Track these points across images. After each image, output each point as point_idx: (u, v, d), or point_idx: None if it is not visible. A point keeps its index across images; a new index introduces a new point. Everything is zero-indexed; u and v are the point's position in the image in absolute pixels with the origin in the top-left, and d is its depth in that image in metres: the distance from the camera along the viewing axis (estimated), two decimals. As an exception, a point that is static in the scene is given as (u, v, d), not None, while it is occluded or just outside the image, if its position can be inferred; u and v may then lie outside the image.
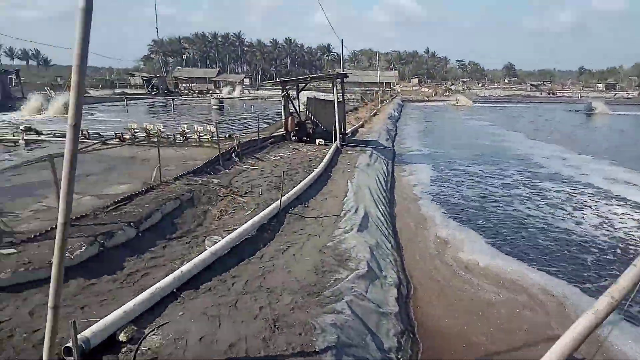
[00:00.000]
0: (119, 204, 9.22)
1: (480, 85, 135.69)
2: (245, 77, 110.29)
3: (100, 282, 6.63)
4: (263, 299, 6.30)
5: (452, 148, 28.05)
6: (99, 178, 12.43)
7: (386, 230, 11.20)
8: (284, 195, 10.61)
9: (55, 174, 7.86)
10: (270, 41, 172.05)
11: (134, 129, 22.22)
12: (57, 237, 4.23)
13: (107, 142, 21.97)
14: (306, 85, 22.71)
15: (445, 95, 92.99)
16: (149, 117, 40.02)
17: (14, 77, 47.45)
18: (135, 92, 64.69)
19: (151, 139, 21.74)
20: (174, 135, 22.13)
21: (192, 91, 78.47)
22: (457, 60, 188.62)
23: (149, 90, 69.36)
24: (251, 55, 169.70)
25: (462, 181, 18.94)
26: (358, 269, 7.80)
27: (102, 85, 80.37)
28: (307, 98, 22.83)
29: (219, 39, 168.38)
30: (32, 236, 7.32)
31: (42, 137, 22.78)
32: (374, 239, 9.73)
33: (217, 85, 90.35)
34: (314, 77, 22.91)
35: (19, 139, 21.97)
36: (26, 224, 8.23)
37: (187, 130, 22.21)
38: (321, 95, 31.54)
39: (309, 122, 21.60)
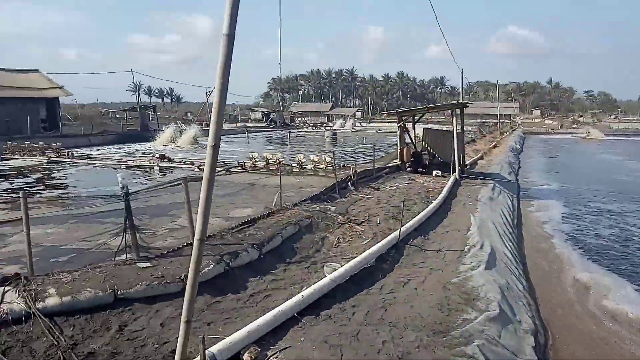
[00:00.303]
0: (242, 227, 9.48)
1: (612, 117, 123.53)
2: (357, 111, 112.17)
3: (225, 300, 6.73)
4: (385, 333, 5.90)
5: (585, 183, 25.45)
6: (224, 201, 13.04)
7: (516, 270, 10.21)
8: (402, 226, 10.18)
9: (188, 194, 8.28)
10: (382, 76, 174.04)
11: (254, 158, 23.36)
12: (193, 253, 4.29)
13: (231, 169, 23.34)
14: (422, 115, 22.25)
15: (573, 128, 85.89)
16: (268, 147, 41.94)
17: (151, 112, 53.15)
18: (255, 125, 68.70)
19: (270, 167, 22.70)
20: (291, 164, 22.88)
21: (306, 124, 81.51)
22: (584, 91, 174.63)
23: (267, 124, 73.35)
24: (363, 89, 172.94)
25: (599, 219, 16.94)
26: (488, 311, 7.07)
27: (225, 119, 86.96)
28: (424, 128, 22.33)
29: (333, 75, 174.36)
30: (166, 252, 7.71)
31: (173, 165, 24.85)
32: (503, 278, 8.87)
33: (330, 118, 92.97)
34: (431, 107, 22.39)
35: (154, 165, 24.19)
36: (161, 240, 8.76)
37: (303, 160, 22.85)
38: (436, 127, 30.78)
39: (425, 152, 21.01)
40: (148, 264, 7.04)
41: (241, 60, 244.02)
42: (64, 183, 19.34)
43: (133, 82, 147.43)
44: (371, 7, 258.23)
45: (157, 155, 26.09)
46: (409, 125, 21.82)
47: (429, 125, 32.29)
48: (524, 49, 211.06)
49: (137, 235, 7.35)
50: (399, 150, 20.39)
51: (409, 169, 20.40)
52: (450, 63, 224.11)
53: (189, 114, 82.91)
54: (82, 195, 15.17)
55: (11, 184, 18.71)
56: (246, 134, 50.82)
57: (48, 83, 39.61)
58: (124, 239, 7.31)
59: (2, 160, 26.43)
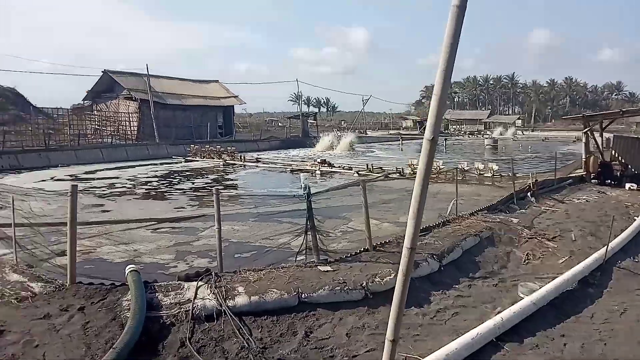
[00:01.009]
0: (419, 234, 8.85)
1: None
2: (518, 118, 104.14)
3: (410, 313, 6.16)
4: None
5: None
6: (392, 206, 12.59)
7: None
8: (608, 245, 8.58)
9: (365, 197, 7.95)
10: (547, 81, 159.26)
11: (413, 165, 22.67)
12: (401, 264, 3.75)
13: (389, 175, 22.98)
14: (613, 121, 19.25)
15: None
16: (419, 155, 40.82)
17: (311, 120, 55.67)
18: (408, 133, 67.81)
19: (430, 174, 21.78)
20: (453, 172, 21.66)
21: (462, 132, 78.05)
22: None
23: (420, 132, 71.89)
24: (524, 96, 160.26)
25: None
26: None
27: (377, 127, 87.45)
28: (614, 136, 19.30)
29: (490, 82, 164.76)
30: (344, 256, 7.44)
31: (333, 170, 25.32)
32: None
33: (488, 126, 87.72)
34: (628, 110, 19.21)
35: (315, 170, 24.94)
36: (335, 243, 8.57)
37: (466, 168, 21.50)
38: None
39: (616, 163, 18.10)
40: (329, 268, 6.81)
41: (394, 69, 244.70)
42: (237, 184, 20.90)
43: (296, 92, 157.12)
44: (535, 7, 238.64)
45: (318, 160, 26.89)
46: (595, 133, 19.05)
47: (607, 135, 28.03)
48: None
49: (318, 236, 7.19)
50: (584, 160, 17.88)
51: (595, 180, 17.77)
52: (629, 67, 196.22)
53: (342, 122, 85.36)
54: (258, 194, 15.97)
55: (193, 183, 20.70)
56: (400, 141, 50.21)
57: (225, 92, 43.91)
58: (304, 240, 7.21)
59: (186, 162, 29.74)
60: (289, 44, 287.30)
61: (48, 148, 27.49)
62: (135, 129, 34.84)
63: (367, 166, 25.02)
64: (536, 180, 14.40)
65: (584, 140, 17.99)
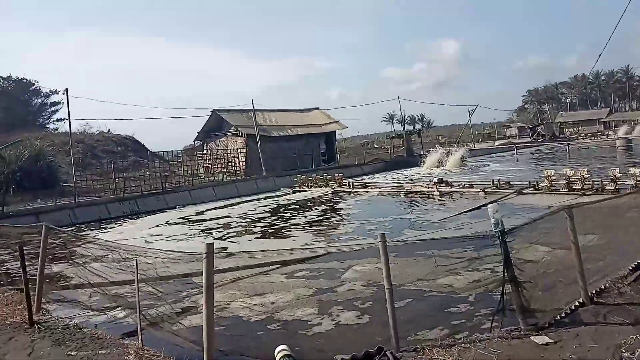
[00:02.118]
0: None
1: None
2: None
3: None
4: None
5: None
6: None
7: None
8: None
9: (574, 230, 5.99)
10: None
11: (550, 176, 19.77)
12: None
13: (523, 191, 20.25)
14: None
15: None
16: (540, 164, 36.79)
17: (414, 137, 53.58)
18: (520, 141, 62.74)
19: (572, 187, 18.79)
20: (602, 182, 18.48)
21: (580, 135, 70.80)
22: None
23: (533, 138, 66.36)
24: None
25: None
26: None
27: (480, 139, 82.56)
28: None
29: (602, 78, 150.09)
30: (557, 317, 5.46)
31: (453, 189, 23.05)
32: None
33: (608, 125, 78.92)
34: None
35: (433, 191, 22.82)
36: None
37: (618, 174, 18.19)
38: None
39: None
40: (547, 339, 4.88)
41: (489, 76, 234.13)
42: (354, 213, 19.46)
43: (390, 112, 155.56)
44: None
45: (434, 179, 24.76)
46: None
47: None
48: None
49: (521, 291, 5.32)
50: None
51: None
52: None
53: (440, 137, 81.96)
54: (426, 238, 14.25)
55: (305, 217, 19.59)
56: (515, 151, 46.15)
57: (326, 118, 43.47)
58: (502, 298, 5.38)
59: (293, 193, 29.09)
60: (378, 65, 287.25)
61: (165, 191, 28.31)
62: (243, 164, 35.23)
63: (493, 182, 22.43)
64: None
65: None
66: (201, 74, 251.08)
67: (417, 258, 10.60)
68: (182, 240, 15.78)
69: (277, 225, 17.61)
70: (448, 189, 23.20)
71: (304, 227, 16.65)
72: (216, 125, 39.01)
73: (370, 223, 16.18)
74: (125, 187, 27.29)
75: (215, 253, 5.14)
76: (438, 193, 22.52)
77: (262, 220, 19.09)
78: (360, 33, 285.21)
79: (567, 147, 43.09)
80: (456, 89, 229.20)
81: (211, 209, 24.50)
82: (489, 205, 5.61)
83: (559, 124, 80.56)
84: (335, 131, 43.83)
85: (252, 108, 34.76)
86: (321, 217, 19.25)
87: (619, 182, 17.89)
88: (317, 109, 45.26)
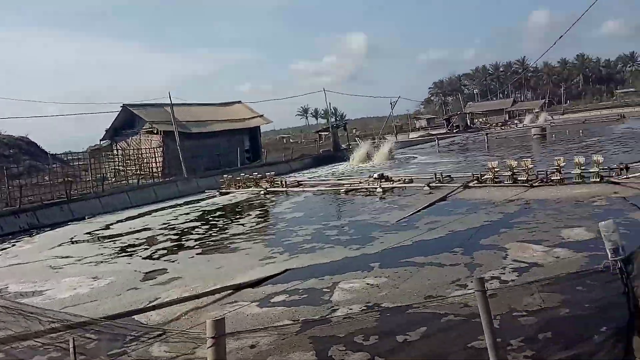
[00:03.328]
0: None
1: None
2: (544, 103, 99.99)
3: None
4: None
5: None
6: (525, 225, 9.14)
7: None
8: None
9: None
10: (557, 61, 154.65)
11: (495, 168, 19.22)
12: None
13: (469, 184, 19.51)
14: None
15: None
16: (464, 155, 37.30)
17: (332, 131, 52.35)
18: (438, 132, 64.12)
19: (517, 178, 18.34)
20: (546, 172, 18.21)
21: (490, 125, 74.26)
22: None
23: (448, 129, 68.38)
24: (536, 80, 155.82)
25: None
26: None
27: (395, 131, 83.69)
28: None
29: (501, 69, 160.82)
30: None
31: (395, 185, 21.91)
32: None
33: (513, 115, 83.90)
34: None
35: (376, 188, 21.50)
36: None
37: (562, 164, 17.99)
38: None
39: None
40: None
41: (397, 69, 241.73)
42: (294, 216, 17.45)
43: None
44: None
45: (375, 175, 23.47)
46: None
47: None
48: None
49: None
50: None
51: None
52: (632, 37, 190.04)
53: (354, 131, 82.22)
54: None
55: (244, 225, 17.40)
56: (436, 142, 46.69)
57: (250, 112, 40.76)
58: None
59: (221, 195, 26.48)
60: (288, 59, 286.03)
61: (70, 199, 24.31)
62: (160, 164, 31.67)
63: (435, 175, 21.56)
64: None
65: None
66: (106, 69, 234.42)
67: (407, 268, 9.06)
68: (102, 262, 12.84)
69: (215, 236, 15.16)
70: (390, 185, 22.04)
71: (250, 236, 14.43)
72: (127, 122, 34.81)
73: (326, 227, 14.34)
74: (22, 197, 23.06)
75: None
76: (381, 190, 21.25)
77: (193, 231, 16.49)
78: (268, 26, 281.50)
79: (485, 137, 44.27)
80: (366, 82, 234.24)
81: (127, 219, 21.22)
82: (602, 224, 3.92)
83: (470, 114, 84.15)
84: (259, 126, 41.31)
85: (169, 102, 31.25)
86: (263, 224, 17.11)
87: (563, 172, 17.74)
88: (240, 102, 42.36)
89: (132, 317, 7.80)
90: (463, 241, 10.72)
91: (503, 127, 65.44)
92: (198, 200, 25.37)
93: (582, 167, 17.28)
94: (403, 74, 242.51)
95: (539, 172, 18.58)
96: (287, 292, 8.53)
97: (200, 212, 21.21)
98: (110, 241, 16.32)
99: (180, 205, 24.34)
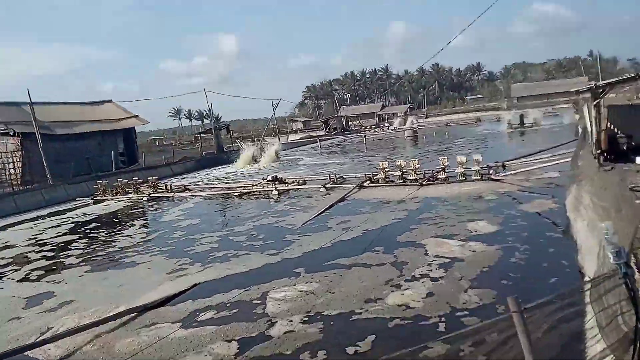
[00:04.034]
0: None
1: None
2: (409, 107, 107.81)
3: None
4: None
5: None
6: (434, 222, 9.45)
7: None
8: None
9: None
10: (417, 70, 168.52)
11: (385, 169, 19.89)
12: None
13: (363, 184, 19.89)
14: (608, 91, 17.98)
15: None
16: (344, 156, 38.43)
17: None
18: (318, 134, 65.31)
19: (406, 177, 19.17)
20: (433, 172, 19.26)
21: (364, 127, 77.94)
22: (628, 59, 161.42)
23: (327, 131, 70.22)
24: (399, 86, 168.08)
25: None
26: None
27: (273, 133, 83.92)
28: (609, 105, 18.13)
29: (367, 76, 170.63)
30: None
31: (290, 187, 21.62)
32: None
33: (382, 118, 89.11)
34: None
35: (271, 190, 20.98)
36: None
37: (446, 163, 19.18)
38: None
39: (622, 136, 16.88)
40: None
41: (269, 73, 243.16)
42: (190, 224, 16.16)
43: (176, 107, 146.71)
44: (388, 5, 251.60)
45: (268, 177, 22.93)
46: (585, 105, 17.72)
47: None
48: (553, 25, 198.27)
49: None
50: (594, 137, 16.34)
51: (604, 158, 16.31)
52: (485, 50, 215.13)
53: (232, 132, 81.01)
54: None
55: (132, 237, 15.74)
56: (319, 144, 47.47)
57: (122, 113, 37.32)
58: (635, 353, 3.72)
59: (95, 204, 23.84)
60: (156, 58, 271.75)
61: None
62: (20, 170, 27.43)
63: (330, 176, 21.72)
64: None
65: (588, 114, 16.45)
66: None
67: (335, 271, 8.72)
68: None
69: (102, 250, 13.35)
70: (285, 187, 21.68)
71: (145, 248, 12.91)
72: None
73: (231, 233, 13.39)
74: None
75: None
76: (277, 192, 20.74)
77: (71, 246, 14.40)
78: (129, 21, 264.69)
79: (364, 138, 46.20)
80: (240, 85, 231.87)
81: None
82: (603, 225, 3.86)
83: (344, 117, 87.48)
84: (134, 127, 38.07)
85: (28, 100, 27.21)
86: (155, 234, 15.51)
87: (447, 171, 18.86)
88: (110, 101, 38.66)
89: (25, 353, 6.34)
90: (380, 240, 10.70)
91: (377, 130, 69.08)
92: (68, 210, 22.58)
93: (465, 166, 18.45)
94: (276, 77, 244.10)
95: (426, 172, 19.44)
96: (213, 308, 7.64)
97: (73, 224, 18.74)
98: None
99: (45, 216, 21.36)
